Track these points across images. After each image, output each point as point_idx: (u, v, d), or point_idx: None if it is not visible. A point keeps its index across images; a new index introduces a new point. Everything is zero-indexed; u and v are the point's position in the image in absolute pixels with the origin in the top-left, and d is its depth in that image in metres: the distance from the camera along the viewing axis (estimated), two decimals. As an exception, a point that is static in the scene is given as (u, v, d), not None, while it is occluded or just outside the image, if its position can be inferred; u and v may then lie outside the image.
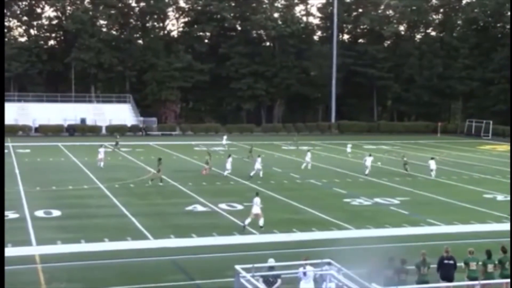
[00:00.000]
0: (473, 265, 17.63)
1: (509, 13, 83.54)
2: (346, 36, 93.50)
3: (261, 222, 25.42)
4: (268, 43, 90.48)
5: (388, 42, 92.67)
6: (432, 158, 42.96)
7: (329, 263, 15.97)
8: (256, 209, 25.36)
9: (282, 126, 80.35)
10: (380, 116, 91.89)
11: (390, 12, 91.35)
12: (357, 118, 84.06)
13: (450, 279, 17.30)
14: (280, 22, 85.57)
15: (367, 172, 41.27)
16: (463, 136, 75.90)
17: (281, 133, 76.55)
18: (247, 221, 25.21)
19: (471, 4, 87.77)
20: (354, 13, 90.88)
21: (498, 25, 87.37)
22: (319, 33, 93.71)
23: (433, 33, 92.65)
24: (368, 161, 42.02)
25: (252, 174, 39.01)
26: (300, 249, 22.21)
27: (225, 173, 39.65)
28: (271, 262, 15.85)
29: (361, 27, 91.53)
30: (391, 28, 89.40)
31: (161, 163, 37.45)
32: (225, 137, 60.51)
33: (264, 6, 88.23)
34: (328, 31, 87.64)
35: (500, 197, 34.18)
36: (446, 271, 17.56)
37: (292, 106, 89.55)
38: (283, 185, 37.27)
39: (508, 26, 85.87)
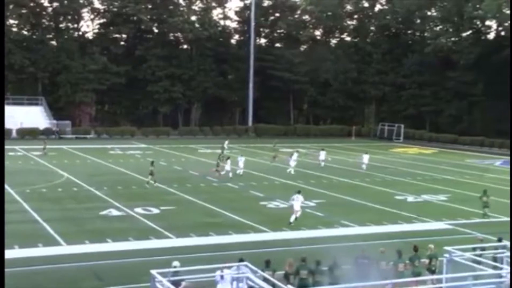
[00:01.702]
0: (383, 264, 18.18)
1: (418, 21, 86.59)
2: (263, 40, 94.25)
3: (292, 218, 27.29)
4: (185, 46, 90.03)
5: (305, 46, 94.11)
6: (322, 149, 48.64)
7: (245, 265, 16.01)
8: (297, 205, 27.58)
9: (199, 129, 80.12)
10: (297, 119, 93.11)
11: (306, 17, 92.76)
12: (274, 121, 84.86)
13: (365, 279, 17.73)
14: (197, 25, 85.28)
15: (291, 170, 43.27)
16: (376, 139, 77.99)
17: (198, 136, 76.30)
18: (292, 218, 27.25)
19: (384, 11, 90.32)
20: (271, 18, 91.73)
21: (409, 31, 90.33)
22: (236, 36, 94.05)
23: (348, 39, 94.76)
24: (294, 158, 44.36)
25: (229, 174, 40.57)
26: (216, 252, 22.21)
27: (239, 171, 42.17)
28: (176, 265, 15.75)
29: (278, 31, 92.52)
30: (307, 33, 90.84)
31: (154, 165, 38.00)
32: (226, 142, 58.45)
33: (182, 9, 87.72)
34: (246, 34, 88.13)
35: (410, 198, 35.28)
36: (360, 270, 18.02)
37: (209, 109, 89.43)
38: (200, 188, 37.14)
39: (418, 33, 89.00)
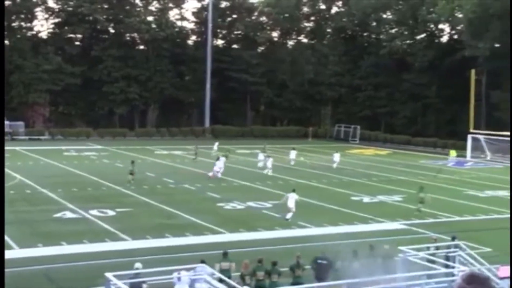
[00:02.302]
0: (339, 264, 18.41)
1: (374, 23, 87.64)
2: (220, 41, 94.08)
3: (289, 215, 28.49)
4: (142, 47, 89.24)
5: (262, 48, 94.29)
6: (293, 149, 50.80)
7: (203, 267, 16.00)
8: (292, 202, 28.73)
9: (156, 130, 79.55)
10: (254, 120, 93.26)
11: (263, 18, 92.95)
12: (231, 122, 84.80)
13: (323, 279, 17.92)
14: (154, 26, 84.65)
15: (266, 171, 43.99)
16: (333, 141, 78.60)
17: (154, 138, 75.76)
18: (289, 215, 28.52)
19: (340, 14, 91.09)
20: (229, 19, 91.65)
21: (365, 34, 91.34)
22: (193, 37, 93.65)
23: (305, 40, 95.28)
24: (261, 158, 45.78)
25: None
26: (173, 254, 22.07)
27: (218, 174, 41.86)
28: (138, 267, 15.64)
29: (235, 32, 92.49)
30: (265, 35, 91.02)
31: (134, 165, 38.71)
32: (216, 143, 58.09)
33: (138, 9, 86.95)
34: (203, 36, 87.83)
35: (366, 199, 35.65)
36: (320, 271, 18.19)
37: (166, 111, 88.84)
38: (156, 190, 36.86)
39: (374, 36, 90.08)
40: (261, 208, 31.87)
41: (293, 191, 29.90)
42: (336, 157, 49.74)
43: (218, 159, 43.09)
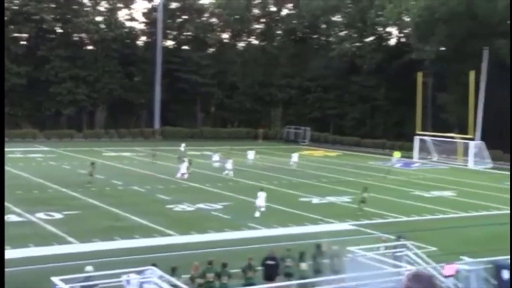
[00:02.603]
0: (288, 262, 18.60)
1: (323, 26, 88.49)
2: (170, 42, 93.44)
3: (257, 213, 29.73)
4: (90, 47, 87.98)
5: (212, 49, 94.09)
6: (251, 149, 53.22)
7: (152, 270, 15.86)
8: (261, 201, 30.13)
9: (104, 132, 78.53)
10: (204, 122, 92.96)
11: (214, 20, 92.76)
12: (181, 124, 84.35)
13: (272, 278, 18.08)
14: (103, 26, 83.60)
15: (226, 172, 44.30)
16: (283, 142, 78.98)
17: (103, 139, 74.79)
18: (257, 213, 29.82)
19: (290, 16, 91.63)
20: (179, 20, 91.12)
21: (315, 36, 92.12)
22: (143, 38, 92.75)
23: (255, 42, 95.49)
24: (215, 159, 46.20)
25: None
26: (122, 257, 21.81)
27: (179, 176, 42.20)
28: (90, 270, 15.41)
29: (185, 34, 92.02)
30: (215, 36, 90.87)
31: (94, 167, 39.16)
32: (183, 144, 57.69)
33: (86, 9, 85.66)
34: (153, 36, 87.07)
35: (315, 200, 35.92)
36: (268, 271, 18.31)
37: (115, 112, 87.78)
38: (105, 192, 36.37)
39: (324, 38, 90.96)
40: (211, 210, 31.79)
41: (261, 190, 31.39)
42: (295, 157, 51.42)
43: (182, 161, 43.27)
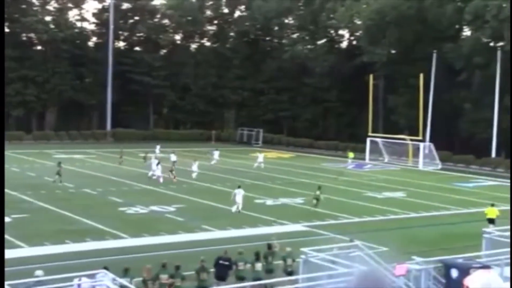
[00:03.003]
0: (241, 265, 18.63)
1: (276, 28, 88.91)
2: (122, 43, 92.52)
3: (234, 208, 31.45)
4: (39, 47, 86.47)
5: (164, 50, 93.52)
6: (216, 149, 55.36)
7: (104, 273, 15.66)
8: (239, 198, 31.55)
9: (54, 134, 77.23)
10: (156, 124, 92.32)
11: (166, 21, 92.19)
12: (133, 126, 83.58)
13: (223, 278, 18.24)
14: (52, 26, 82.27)
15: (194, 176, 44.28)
16: (236, 144, 79.01)
17: (53, 141, 73.51)
18: (234, 208, 31.53)
19: (243, 18, 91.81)
20: (131, 21, 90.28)
21: (268, 38, 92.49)
22: (94, 39, 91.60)
23: (208, 44, 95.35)
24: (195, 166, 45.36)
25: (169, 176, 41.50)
26: (73, 260, 21.49)
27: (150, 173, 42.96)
28: (40, 274, 15.12)
29: (137, 35, 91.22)
30: (167, 37, 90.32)
31: (61, 166, 39.76)
32: (158, 146, 58.16)
33: (35, 8, 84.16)
34: (104, 37, 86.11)
35: (269, 202, 36.04)
36: (221, 271, 18.40)
37: (65, 113, 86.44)
38: (56, 195, 35.78)
39: (276, 40, 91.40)
40: (164, 212, 31.59)
41: (239, 187, 32.76)
42: (260, 157, 52.95)
43: (158, 163, 43.28)
